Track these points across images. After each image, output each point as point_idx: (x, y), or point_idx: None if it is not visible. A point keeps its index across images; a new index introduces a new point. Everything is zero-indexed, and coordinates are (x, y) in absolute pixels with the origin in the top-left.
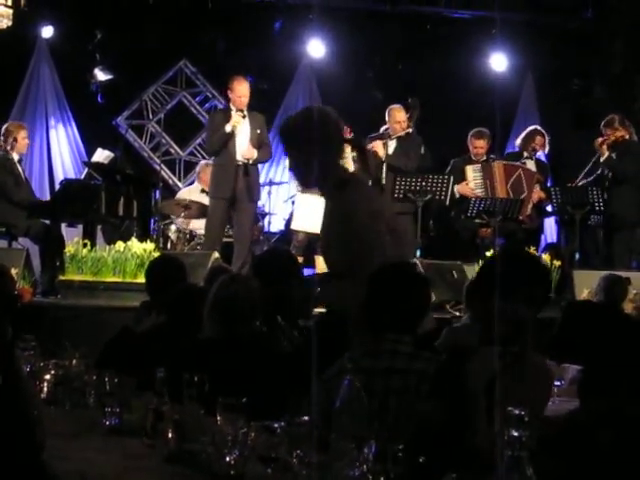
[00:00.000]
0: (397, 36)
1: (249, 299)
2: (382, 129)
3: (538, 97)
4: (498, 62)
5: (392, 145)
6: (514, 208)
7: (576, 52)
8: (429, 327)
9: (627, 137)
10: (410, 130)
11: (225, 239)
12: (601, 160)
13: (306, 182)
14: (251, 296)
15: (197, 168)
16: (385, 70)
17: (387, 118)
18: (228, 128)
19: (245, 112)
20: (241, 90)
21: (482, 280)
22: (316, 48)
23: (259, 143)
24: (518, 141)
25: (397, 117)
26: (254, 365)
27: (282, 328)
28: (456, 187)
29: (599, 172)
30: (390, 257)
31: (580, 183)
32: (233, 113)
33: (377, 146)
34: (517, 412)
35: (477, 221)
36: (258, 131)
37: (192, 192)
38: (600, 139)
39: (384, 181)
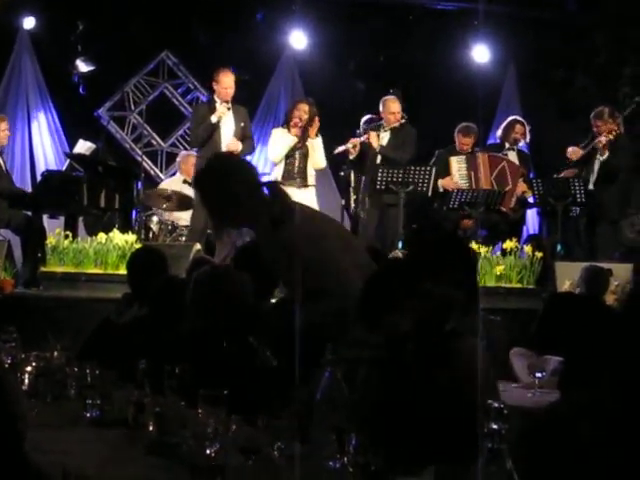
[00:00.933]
0: (379, 27)
1: (230, 291)
2: (365, 118)
3: (520, 88)
4: (480, 53)
5: (386, 136)
6: (496, 199)
7: (559, 43)
8: None
9: (617, 130)
10: (403, 121)
11: (209, 231)
12: (601, 159)
13: (218, 227)
14: (232, 288)
15: (178, 158)
16: (367, 61)
17: (381, 109)
18: (214, 119)
19: (230, 104)
20: (227, 82)
21: (410, 266)
22: (298, 39)
23: (243, 136)
24: (499, 132)
25: (391, 108)
26: (235, 357)
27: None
28: (440, 181)
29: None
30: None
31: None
32: (218, 105)
33: (372, 137)
34: (496, 405)
35: (459, 213)
36: (242, 124)
37: (174, 183)
38: (603, 139)
39: (379, 172)
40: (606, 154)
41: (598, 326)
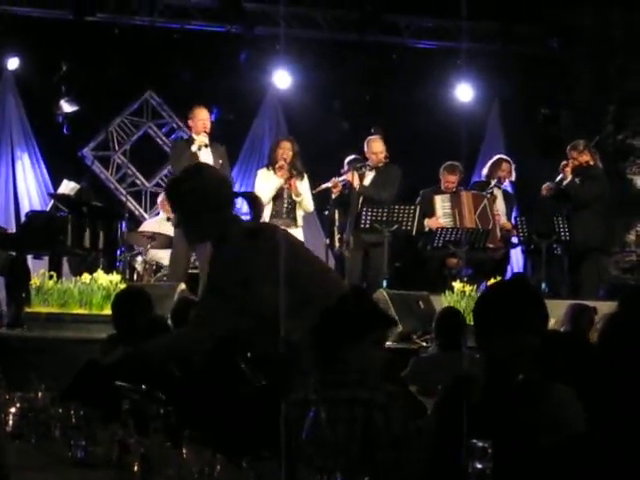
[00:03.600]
0: (363, 66)
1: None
2: (348, 158)
3: (504, 126)
4: (464, 92)
5: (370, 176)
6: (481, 238)
7: (542, 81)
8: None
9: (591, 162)
10: (386, 161)
11: (191, 270)
12: (564, 184)
13: (190, 241)
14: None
15: (160, 198)
16: (351, 100)
17: (365, 149)
18: (194, 147)
19: (207, 140)
20: (201, 114)
21: (482, 313)
22: (282, 78)
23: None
24: (485, 170)
25: (374, 148)
26: (220, 399)
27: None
28: (427, 221)
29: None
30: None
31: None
32: (196, 137)
33: (352, 177)
34: (480, 444)
35: (444, 251)
36: (220, 161)
37: (157, 223)
38: (565, 162)
39: (358, 209)
40: (569, 178)
41: (584, 364)
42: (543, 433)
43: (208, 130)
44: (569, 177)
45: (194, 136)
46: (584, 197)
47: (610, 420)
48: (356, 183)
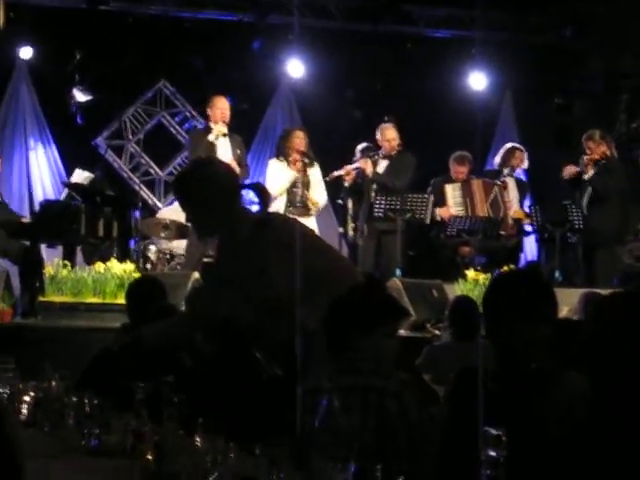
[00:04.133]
0: (376, 55)
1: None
2: (360, 146)
3: (517, 115)
4: (477, 81)
5: (383, 164)
6: (494, 227)
7: (556, 70)
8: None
9: (608, 153)
10: (400, 149)
11: (206, 259)
12: (585, 178)
13: (201, 234)
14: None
15: None
16: (364, 89)
17: (378, 137)
18: (212, 137)
19: (225, 129)
20: (221, 104)
21: (493, 302)
22: (295, 68)
23: (238, 163)
24: (497, 159)
25: (387, 135)
26: (235, 386)
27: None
28: (438, 210)
29: (581, 189)
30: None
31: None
32: (214, 127)
33: (365, 164)
34: (494, 432)
35: (457, 240)
36: (238, 151)
37: (172, 211)
38: (587, 157)
39: (372, 198)
40: (590, 172)
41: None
42: (556, 421)
43: (227, 120)
44: (590, 172)
45: (211, 125)
46: (606, 191)
47: (611, 403)
48: (369, 170)
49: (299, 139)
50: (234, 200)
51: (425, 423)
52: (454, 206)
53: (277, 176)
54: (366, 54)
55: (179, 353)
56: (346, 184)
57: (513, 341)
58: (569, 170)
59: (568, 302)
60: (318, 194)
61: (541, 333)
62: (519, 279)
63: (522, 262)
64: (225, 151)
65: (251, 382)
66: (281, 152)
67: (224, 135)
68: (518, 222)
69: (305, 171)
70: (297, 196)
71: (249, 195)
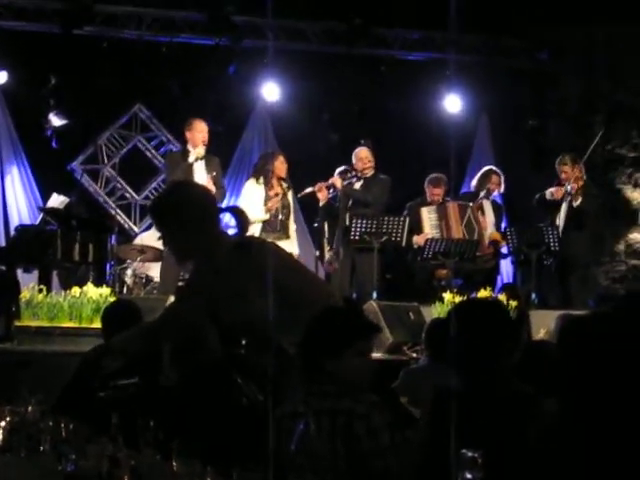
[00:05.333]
0: (352, 78)
1: (204, 343)
2: (339, 169)
3: (493, 137)
4: (452, 103)
5: (358, 185)
6: (470, 249)
7: (531, 92)
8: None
9: (582, 176)
10: (372, 170)
11: (181, 283)
12: (574, 205)
13: (179, 258)
14: (207, 342)
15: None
16: (340, 112)
17: (353, 160)
18: (191, 158)
19: (203, 152)
20: (201, 126)
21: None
22: (271, 91)
23: (214, 185)
24: (474, 182)
25: (360, 154)
26: (214, 410)
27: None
28: (415, 238)
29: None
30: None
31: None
32: (193, 150)
33: (336, 180)
34: (470, 454)
35: (433, 262)
36: (214, 173)
37: (149, 237)
38: (573, 185)
39: (347, 219)
40: (579, 200)
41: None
42: (531, 444)
43: (206, 142)
44: (579, 199)
45: (189, 148)
46: (586, 214)
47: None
48: (339, 185)
49: (281, 164)
50: (212, 224)
51: (398, 446)
52: (430, 229)
53: (250, 198)
54: (341, 77)
55: (155, 375)
56: (321, 204)
57: (477, 374)
58: (558, 192)
59: (544, 324)
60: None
61: (504, 363)
62: (480, 312)
63: (499, 284)
64: (202, 174)
65: (231, 406)
66: (260, 174)
67: (201, 158)
68: (495, 244)
69: (285, 195)
70: (277, 219)
71: (226, 218)
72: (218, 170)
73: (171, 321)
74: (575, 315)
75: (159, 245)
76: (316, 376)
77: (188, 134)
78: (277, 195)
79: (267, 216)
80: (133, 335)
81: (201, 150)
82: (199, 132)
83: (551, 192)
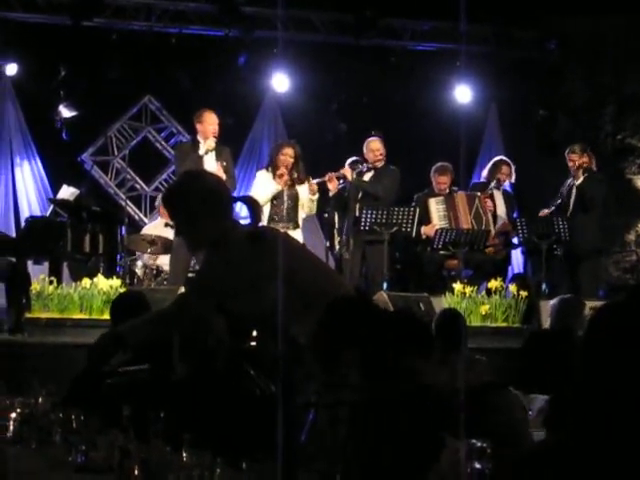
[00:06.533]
0: (361, 69)
1: (215, 334)
2: (350, 160)
3: (502, 128)
4: (462, 94)
5: (368, 175)
6: (480, 239)
7: (540, 83)
8: None
9: (592, 165)
10: (382, 160)
11: (191, 274)
12: (576, 184)
13: (191, 248)
14: (218, 331)
15: (157, 202)
16: (350, 103)
17: (364, 150)
18: (202, 151)
19: (214, 144)
20: (212, 118)
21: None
22: (281, 82)
23: (226, 174)
24: (484, 172)
25: (371, 146)
26: (226, 401)
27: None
28: (423, 229)
29: (559, 201)
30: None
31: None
32: (203, 141)
33: (346, 170)
34: (479, 444)
35: (443, 253)
36: (224, 163)
37: (156, 227)
38: (577, 162)
39: (357, 210)
40: (580, 178)
41: (571, 361)
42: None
43: (217, 134)
44: (581, 177)
45: (200, 139)
46: (592, 198)
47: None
48: (350, 176)
49: (284, 155)
50: (225, 213)
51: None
52: (438, 220)
53: (260, 188)
54: (351, 68)
55: (165, 365)
56: (330, 194)
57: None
58: (544, 213)
59: None
60: (309, 206)
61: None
62: (397, 325)
63: (510, 274)
64: (212, 165)
65: (243, 398)
66: (269, 164)
67: (212, 150)
68: (505, 234)
69: (293, 185)
70: (282, 209)
71: (237, 208)
72: (229, 159)
73: (180, 311)
74: (609, 303)
75: (168, 235)
76: (333, 367)
77: (198, 126)
78: (282, 177)
79: (268, 205)
80: (141, 323)
81: (211, 142)
82: (210, 124)
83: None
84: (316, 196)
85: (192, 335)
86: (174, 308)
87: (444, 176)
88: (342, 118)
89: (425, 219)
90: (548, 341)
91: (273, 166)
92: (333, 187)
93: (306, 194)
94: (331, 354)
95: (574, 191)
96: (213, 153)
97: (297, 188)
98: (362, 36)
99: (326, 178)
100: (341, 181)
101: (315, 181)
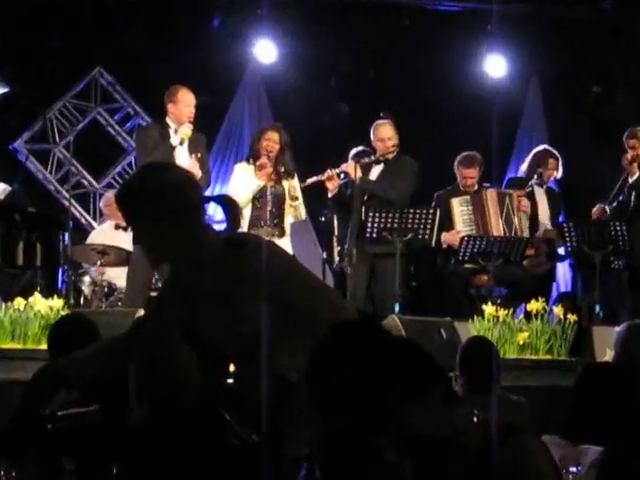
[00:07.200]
0: (368, 35)
1: (179, 369)
2: (354, 151)
3: (546, 108)
4: (495, 65)
5: (377, 170)
6: (517, 249)
7: (593, 51)
8: None
9: None
10: (396, 151)
11: (153, 293)
12: (630, 181)
13: (153, 260)
14: (182, 365)
15: (102, 201)
16: (352, 77)
17: (372, 137)
18: (175, 140)
19: (190, 132)
20: (188, 98)
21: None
22: (266, 50)
23: (200, 169)
24: (524, 166)
25: (381, 133)
26: (189, 454)
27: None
28: (444, 236)
29: (621, 199)
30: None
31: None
32: (172, 130)
33: (349, 166)
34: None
35: (470, 266)
36: (199, 154)
37: (104, 233)
38: (629, 155)
39: (362, 212)
40: (637, 174)
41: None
42: None
43: (192, 119)
44: (636, 173)
45: (170, 123)
46: None
47: None
48: (353, 173)
49: (267, 141)
50: (195, 216)
51: None
52: (462, 225)
53: (239, 184)
54: (354, 32)
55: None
56: (330, 195)
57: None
58: (598, 210)
59: (610, 343)
60: (301, 208)
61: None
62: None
63: (554, 293)
64: (184, 157)
65: (216, 449)
66: (250, 154)
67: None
68: (549, 243)
69: (279, 181)
70: (265, 211)
71: (211, 210)
72: (204, 151)
73: (137, 339)
74: None
75: (124, 243)
76: (325, 410)
77: (171, 106)
78: (264, 168)
79: (249, 207)
80: (89, 355)
81: (187, 130)
82: (186, 105)
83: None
84: (298, 202)
85: (152, 370)
86: (130, 336)
87: (471, 169)
88: (343, 96)
89: (447, 223)
90: (607, 378)
91: (254, 155)
92: (333, 187)
93: (297, 193)
94: (328, 394)
95: (633, 195)
96: (186, 143)
97: (284, 184)
98: None
99: (324, 177)
100: (342, 176)
101: (311, 180)
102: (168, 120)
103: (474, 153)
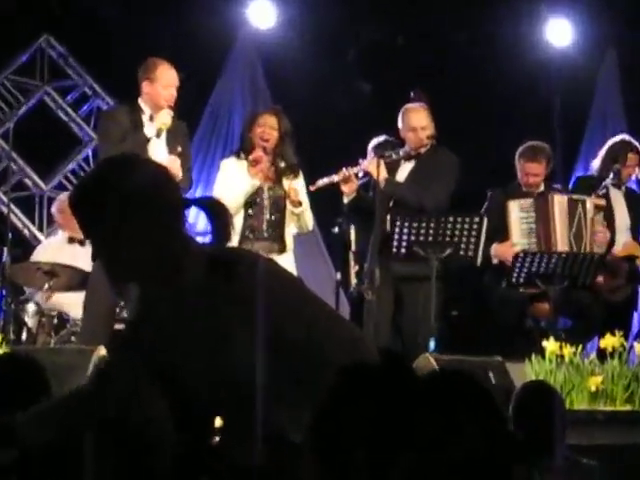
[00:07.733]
0: None
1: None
2: (375, 142)
3: (625, 89)
4: (558, 32)
5: (406, 168)
6: (587, 269)
7: None
8: None
9: None
10: (432, 143)
11: (118, 325)
12: None
13: (115, 281)
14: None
15: (53, 206)
16: (375, 47)
17: (400, 124)
18: (151, 131)
19: (170, 120)
20: (170, 76)
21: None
22: (262, 14)
23: (181, 165)
24: (596, 161)
25: (412, 121)
26: None
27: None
28: (494, 247)
29: None
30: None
31: None
32: (146, 116)
33: (371, 165)
34: None
35: (527, 291)
36: (179, 148)
37: (55, 248)
38: None
39: (388, 222)
40: None
41: None
42: None
43: (173, 103)
44: None
45: (143, 107)
46: None
47: None
48: (380, 177)
49: (262, 127)
50: (173, 225)
51: None
52: (520, 236)
53: (227, 183)
54: None
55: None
56: (345, 200)
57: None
58: None
59: None
60: (306, 216)
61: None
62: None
63: (636, 327)
64: (161, 150)
65: None
66: (241, 147)
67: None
68: (630, 261)
69: (279, 180)
70: (262, 219)
71: (192, 217)
72: (185, 143)
73: (101, 389)
74: None
75: (74, 262)
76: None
77: (146, 85)
78: (258, 163)
79: (241, 214)
80: (44, 414)
81: (167, 117)
82: (165, 85)
83: None
84: (302, 208)
85: (118, 425)
86: (94, 386)
87: (536, 163)
88: (363, 72)
89: (500, 233)
90: None
91: (247, 149)
92: (349, 190)
93: (301, 195)
94: (340, 458)
95: None
96: (164, 134)
97: (285, 185)
98: None
99: (338, 177)
100: (360, 175)
101: (322, 181)
102: (141, 103)
103: (541, 144)
